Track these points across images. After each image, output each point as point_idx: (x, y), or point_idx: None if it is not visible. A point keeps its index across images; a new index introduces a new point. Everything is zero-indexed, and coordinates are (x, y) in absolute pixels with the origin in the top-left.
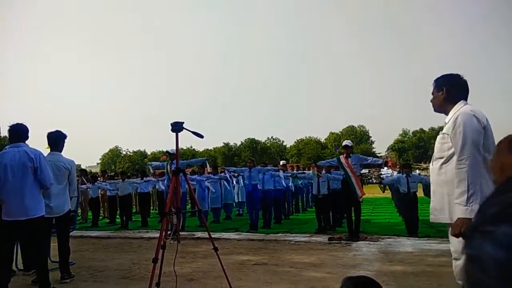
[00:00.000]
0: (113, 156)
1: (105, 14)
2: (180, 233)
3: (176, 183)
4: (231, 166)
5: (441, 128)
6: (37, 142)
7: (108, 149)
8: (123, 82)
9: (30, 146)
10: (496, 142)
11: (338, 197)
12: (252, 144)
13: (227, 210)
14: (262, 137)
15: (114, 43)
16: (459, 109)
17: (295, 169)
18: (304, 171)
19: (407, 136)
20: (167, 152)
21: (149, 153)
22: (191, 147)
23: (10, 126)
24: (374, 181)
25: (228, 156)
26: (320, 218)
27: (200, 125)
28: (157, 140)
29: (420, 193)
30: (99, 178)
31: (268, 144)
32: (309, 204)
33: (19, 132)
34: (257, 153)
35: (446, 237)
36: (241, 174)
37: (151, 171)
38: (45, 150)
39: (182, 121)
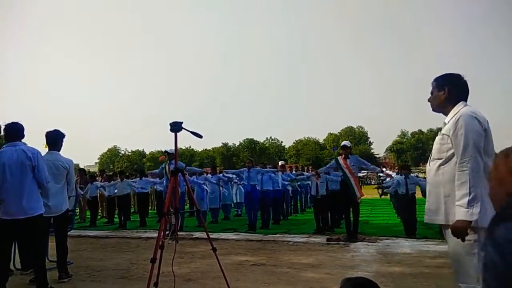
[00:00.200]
0: (112, 156)
1: (105, 14)
2: (179, 233)
3: (174, 183)
4: (230, 168)
5: (439, 130)
6: (37, 142)
7: (106, 148)
8: (123, 82)
9: (27, 144)
10: (495, 143)
11: (337, 198)
12: (251, 145)
13: (226, 211)
14: (261, 138)
15: (114, 43)
16: (459, 110)
17: (294, 170)
18: (303, 173)
19: (406, 137)
20: (165, 152)
21: (147, 152)
22: (190, 147)
23: (5, 125)
24: (373, 182)
25: (226, 156)
26: (318, 219)
27: (199, 125)
28: (155, 140)
29: (418, 195)
30: (97, 178)
31: (267, 145)
32: (308, 204)
33: (14, 131)
34: (256, 154)
35: (444, 239)
36: (241, 175)
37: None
38: (42, 148)
39: (181, 121)
